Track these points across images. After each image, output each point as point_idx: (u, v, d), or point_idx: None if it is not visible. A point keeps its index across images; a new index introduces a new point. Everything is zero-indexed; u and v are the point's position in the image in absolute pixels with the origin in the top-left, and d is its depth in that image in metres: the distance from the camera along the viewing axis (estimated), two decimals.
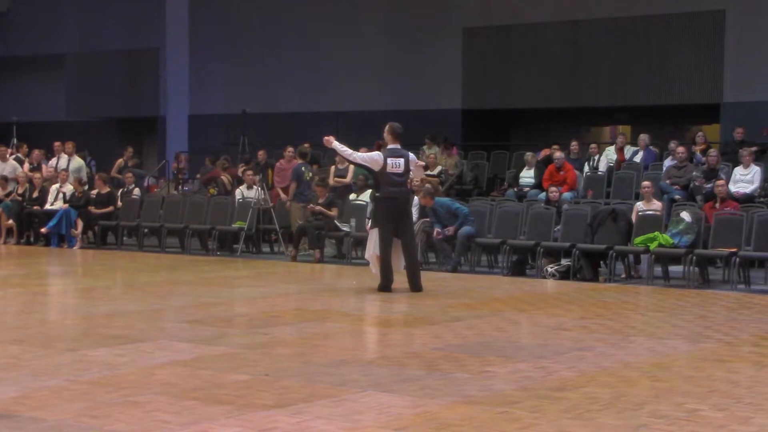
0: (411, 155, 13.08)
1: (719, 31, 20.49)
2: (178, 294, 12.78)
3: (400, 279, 12.84)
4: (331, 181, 18.89)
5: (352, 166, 19.02)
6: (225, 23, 26.34)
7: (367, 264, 15.92)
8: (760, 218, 14.06)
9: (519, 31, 22.59)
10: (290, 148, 19.18)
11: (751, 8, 20.28)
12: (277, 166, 19.50)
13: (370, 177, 18.68)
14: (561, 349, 8.80)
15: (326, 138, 12.96)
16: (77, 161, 20.84)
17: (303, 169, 17.94)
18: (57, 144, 21.23)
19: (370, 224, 13.60)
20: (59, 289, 14.17)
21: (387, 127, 12.96)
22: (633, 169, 18.52)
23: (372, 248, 12.97)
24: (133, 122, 28.65)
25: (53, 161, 21.04)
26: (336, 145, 12.82)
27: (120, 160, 23.47)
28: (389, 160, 12.61)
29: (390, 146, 12.83)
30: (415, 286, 12.65)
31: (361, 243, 16.72)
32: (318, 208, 17.04)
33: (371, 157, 12.82)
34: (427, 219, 15.88)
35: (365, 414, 6.42)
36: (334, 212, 17.05)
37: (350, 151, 12.94)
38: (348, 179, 18.63)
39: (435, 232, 15.37)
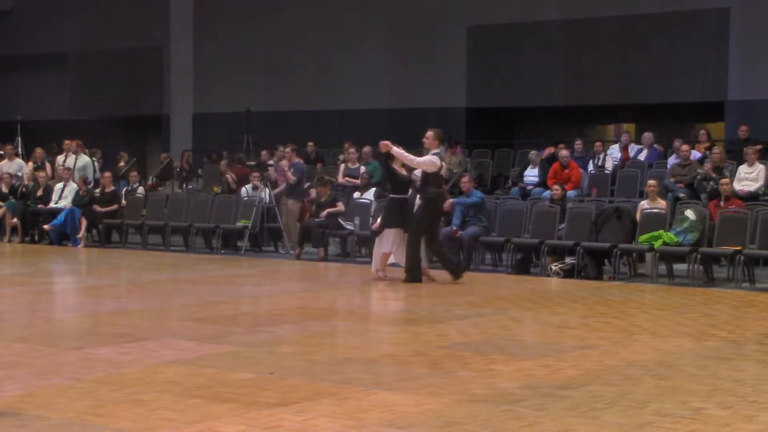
0: None
1: (724, 29, 20.43)
2: (182, 292, 12.78)
3: (398, 273, 13.03)
4: (341, 179, 18.87)
5: (363, 167, 19.02)
6: (229, 22, 26.33)
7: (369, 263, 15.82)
8: (765, 216, 14.03)
9: (523, 30, 22.55)
10: (281, 147, 19.32)
11: (755, 6, 20.22)
12: (280, 166, 19.50)
13: (374, 176, 18.80)
14: (565, 347, 8.79)
15: (383, 143, 13.40)
16: (83, 159, 20.78)
17: (305, 167, 17.99)
18: (66, 142, 21.15)
19: (383, 223, 13.52)
20: (64, 288, 14.19)
21: (433, 133, 13.46)
22: (637, 167, 18.51)
23: (389, 247, 13.16)
24: (137, 121, 28.65)
25: (60, 159, 20.95)
26: (396, 150, 13.23)
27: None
28: (442, 163, 13.38)
29: (434, 150, 13.35)
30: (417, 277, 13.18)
31: (365, 241, 16.70)
32: (323, 214, 16.88)
33: (431, 161, 13.24)
34: None
35: (369, 412, 6.43)
36: (339, 206, 16.99)
37: (411, 156, 13.35)
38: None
39: (452, 230, 15.29)
